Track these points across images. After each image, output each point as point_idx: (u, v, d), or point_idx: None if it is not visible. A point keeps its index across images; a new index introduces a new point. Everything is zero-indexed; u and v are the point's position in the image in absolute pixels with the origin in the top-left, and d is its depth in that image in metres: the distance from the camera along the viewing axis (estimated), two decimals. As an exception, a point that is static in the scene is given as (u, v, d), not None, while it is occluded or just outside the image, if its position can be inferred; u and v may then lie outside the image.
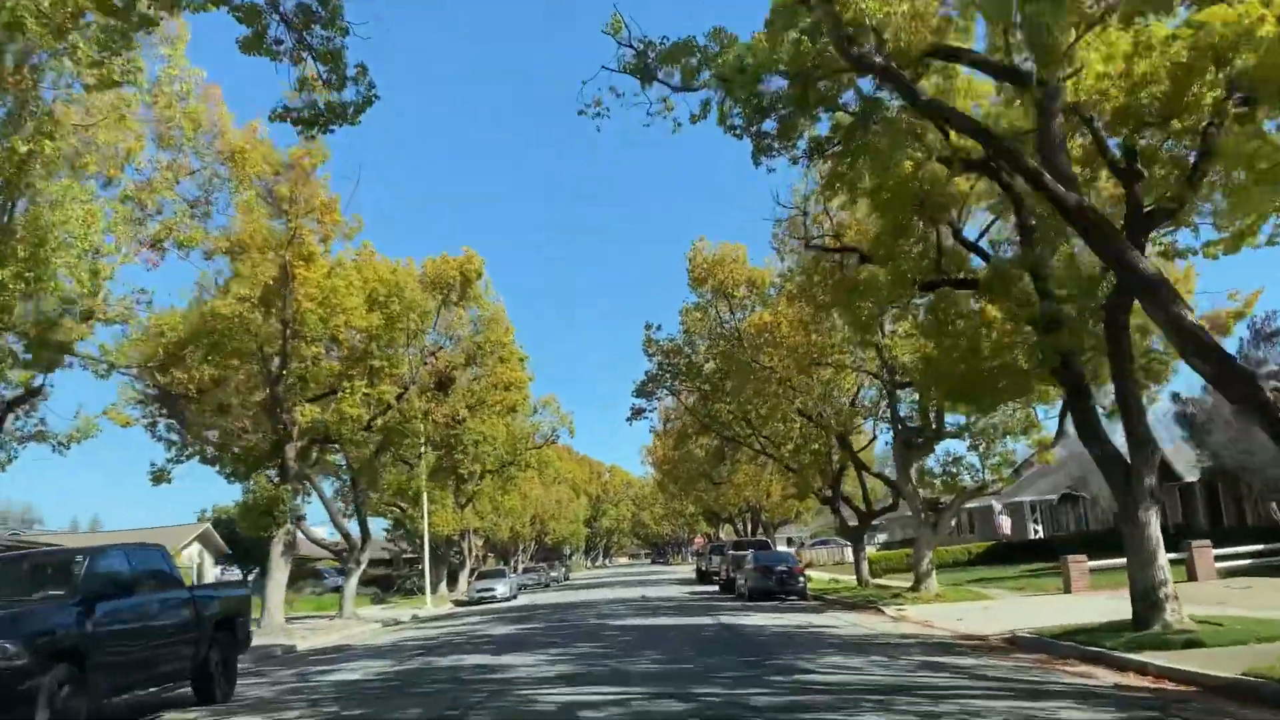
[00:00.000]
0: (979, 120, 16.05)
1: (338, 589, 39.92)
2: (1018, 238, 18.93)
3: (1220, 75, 13.27)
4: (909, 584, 28.71)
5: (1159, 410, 32.59)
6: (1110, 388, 17.66)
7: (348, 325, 26.41)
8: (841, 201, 22.82)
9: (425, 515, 42.94)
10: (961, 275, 17.85)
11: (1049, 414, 26.36)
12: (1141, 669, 11.48)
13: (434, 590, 47.59)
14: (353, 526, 35.49)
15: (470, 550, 57.16)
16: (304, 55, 11.04)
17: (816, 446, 32.21)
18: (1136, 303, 15.54)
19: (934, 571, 27.26)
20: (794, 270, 27.61)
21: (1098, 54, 13.61)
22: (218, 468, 29.40)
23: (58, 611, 10.40)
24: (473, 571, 54.69)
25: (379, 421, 30.19)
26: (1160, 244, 16.75)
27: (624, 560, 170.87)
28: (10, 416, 19.49)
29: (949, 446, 27.48)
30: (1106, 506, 44.22)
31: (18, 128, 12.76)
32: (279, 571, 28.34)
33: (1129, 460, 14.53)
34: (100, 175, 17.30)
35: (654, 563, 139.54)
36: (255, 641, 23.87)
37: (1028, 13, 10.91)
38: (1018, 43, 12.30)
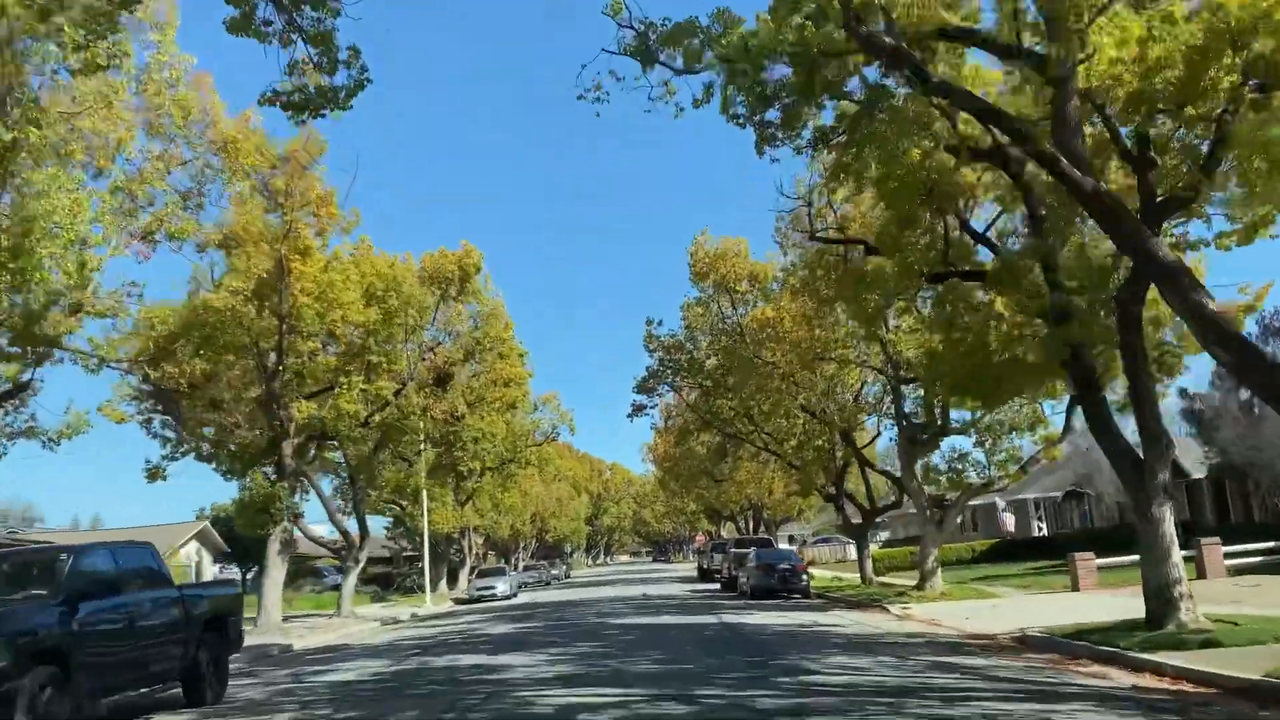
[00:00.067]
0: (997, 98, 15.85)
1: (337, 587, 39.59)
2: (1025, 229, 18.63)
3: (1236, 60, 12.92)
4: (913, 582, 28.39)
5: (1166, 406, 32.19)
6: (1118, 382, 17.40)
7: (345, 320, 26.05)
8: (846, 193, 22.50)
9: (425, 513, 42.63)
10: (969, 267, 17.51)
11: (1054, 410, 26.13)
12: (1158, 670, 11.15)
13: (434, 588, 47.29)
14: (351, 525, 35.18)
15: (470, 548, 56.84)
16: (294, 37, 10.72)
17: (820, 443, 31.85)
18: (1149, 295, 15.34)
19: (939, 569, 26.92)
20: (797, 265, 27.27)
21: (1110, 38, 13.24)
22: (214, 465, 29.09)
23: (39, 611, 10.08)
24: (473, 569, 54.38)
25: (377, 418, 29.87)
26: (1171, 235, 16.38)
27: (625, 558, 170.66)
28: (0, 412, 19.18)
29: (954, 442, 27.14)
30: (1111, 504, 43.96)
31: (2, 115, 12.41)
32: (276, 570, 28.02)
33: (1142, 456, 14.20)
34: (90, 166, 16.97)
35: (655, 561, 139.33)
36: (251, 640, 23.69)
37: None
38: (1029, 24, 11.92)
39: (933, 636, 16.81)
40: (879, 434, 37.07)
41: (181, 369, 24.44)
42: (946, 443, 27.02)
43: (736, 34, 12.48)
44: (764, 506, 57.64)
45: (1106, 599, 20.87)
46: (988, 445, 25.75)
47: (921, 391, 27.11)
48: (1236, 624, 13.48)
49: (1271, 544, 26.19)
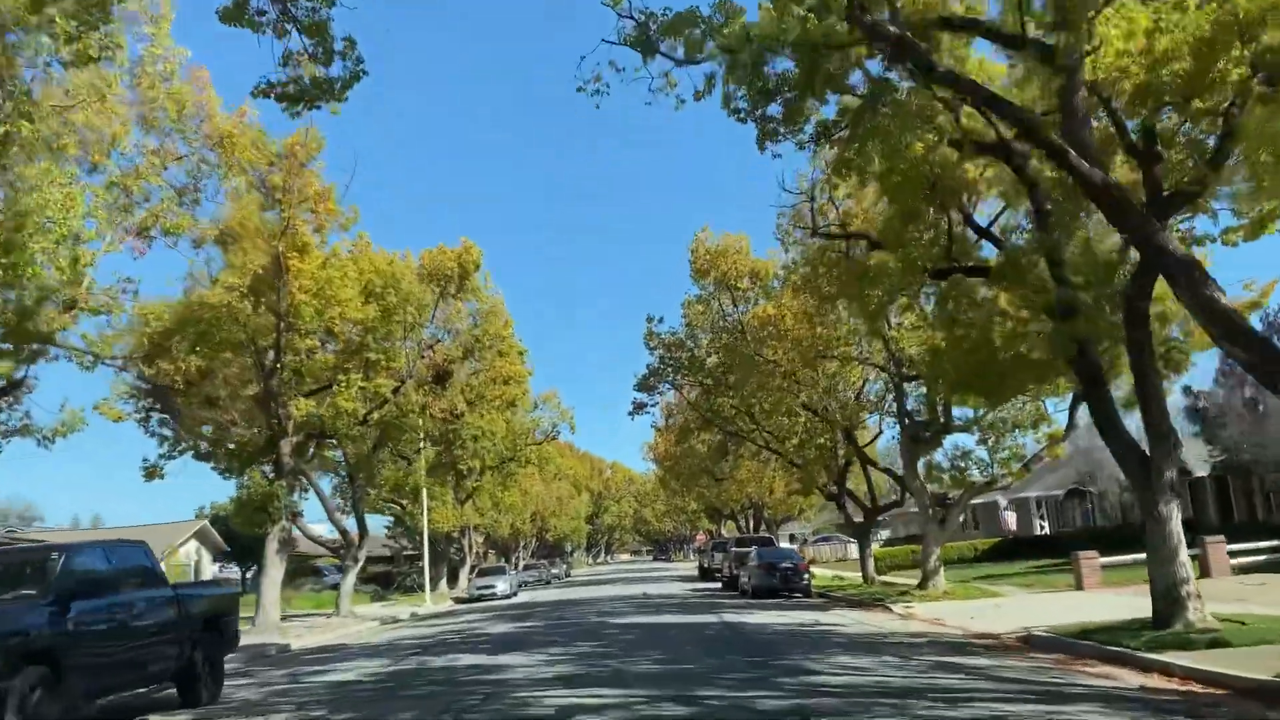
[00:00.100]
0: (1000, 91, 15.68)
1: (337, 586, 39.43)
2: (1029, 225, 18.46)
3: (1245, 52, 12.74)
4: (915, 581, 28.23)
5: (1170, 403, 31.99)
6: (1122, 379, 17.23)
7: (343, 317, 25.85)
8: (849, 188, 22.30)
9: (425, 512, 42.47)
10: (972, 263, 17.34)
11: (1057, 408, 25.96)
12: (1166, 670, 10.98)
13: (434, 587, 47.12)
14: (351, 523, 34.99)
15: (471, 547, 56.67)
16: (288, 28, 10.54)
17: (821, 441, 31.66)
18: (1156, 291, 15.17)
19: (942, 568, 26.75)
20: (798, 262, 27.06)
21: (1118, 30, 13.06)
22: (211, 463, 28.91)
23: (29, 611, 9.90)
24: (473, 568, 54.21)
25: (375, 416, 29.69)
26: (1177, 231, 16.20)
27: (625, 557, 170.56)
28: (-7, 410, 19.00)
29: (957, 440, 26.96)
30: (1114, 502, 43.82)
31: (-6, 108, 12.27)
32: (274, 569, 27.85)
33: (1148, 453, 14.02)
34: (85, 161, 16.77)
35: (656, 559, 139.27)
36: (249, 640, 23.53)
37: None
38: (1035, 14, 11.73)
39: (936, 636, 16.64)
40: (881, 432, 36.91)
41: (177, 366, 24.24)
42: (949, 440, 26.88)
43: (738, 24, 12.31)
44: (765, 505, 57.46)
45: (1110, 598, 20.72)
46: (991, 443, 25.55)
47: (924, 389, 26.93)
48: (1244, 623, 13.32)
49: (1276, 542, 26.03)
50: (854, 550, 60.19)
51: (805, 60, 13.96)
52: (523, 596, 45.78)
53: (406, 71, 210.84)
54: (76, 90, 15.19)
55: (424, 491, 42.01)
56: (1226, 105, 13.36)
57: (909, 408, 28.29)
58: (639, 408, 41.35)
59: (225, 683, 14.56)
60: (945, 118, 15.76)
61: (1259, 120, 12.86)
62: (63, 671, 9.87)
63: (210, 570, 56.14)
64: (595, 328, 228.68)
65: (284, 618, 31.28)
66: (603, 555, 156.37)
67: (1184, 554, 13.66)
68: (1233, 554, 24.65)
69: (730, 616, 23.06)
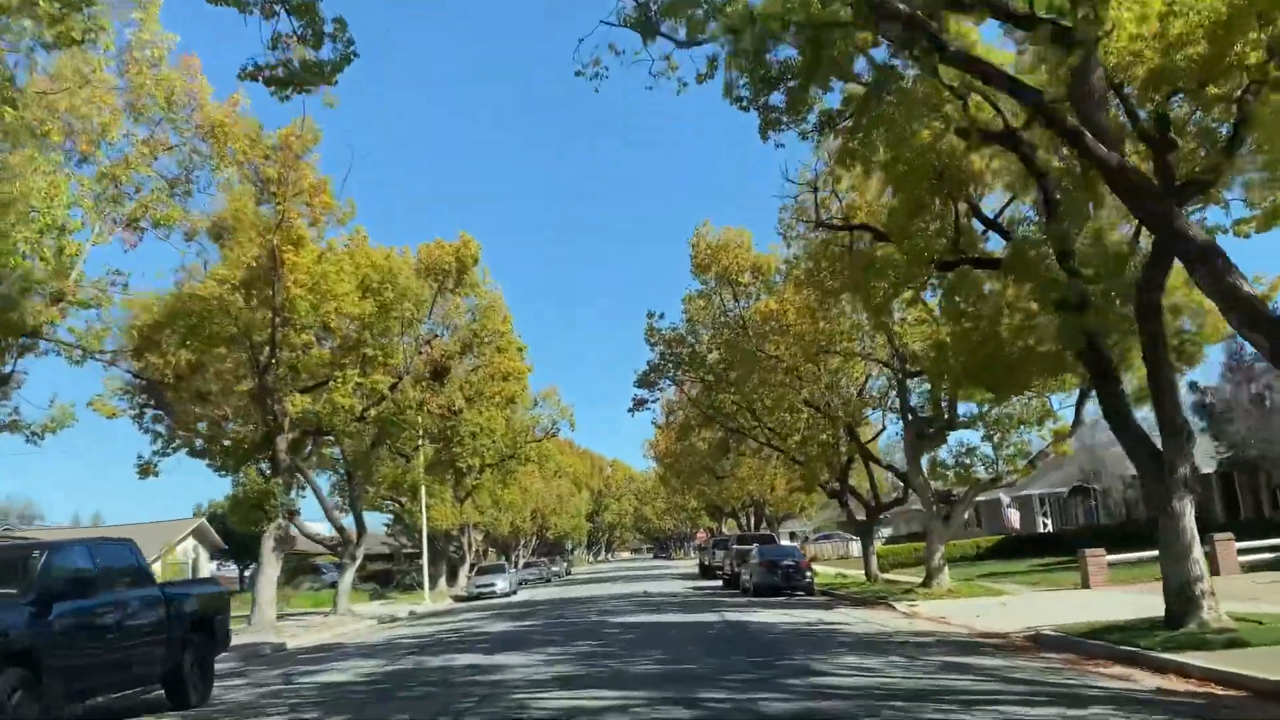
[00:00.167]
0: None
1: (336, 584, 39.11)
2: (1037, 216, 18.11)
3: (1261, 36, 12.38)
4: (919, 579, 27.91)
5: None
6: (1132, 373, 16.89)
7: (339, 312, 25.48)
8: (853, 179, 21.94)
9: (423, 509, 42.15)
10: (979, 255, 16.99)
11: (1063, 404, 25.62)
12: (1182, 671, 10.65)
13: (433, 585, 46.81)
14: (349, 521, 34.64)
15: (470, 545, 56.33)
16: (276, 9, 10.19)
17: (824, 438, 31.29)
18: (1167, 282, 14.82)
19: (946, 566, 26.42)
20: (801, 256, 26.72)
21: (1130, 14, 12.70)
22: (206, 460, 28.58)
23: (9, 611, 9.58)
24: (473, 566, 53.89)
25: (373, 412, 29.32)
26: (1188, 222, 15.87)
27: (626, 555, 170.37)
28: (-20, 405, 18.64)
29: (962, 437, 26.65)
30: (1119, 499, 43.48)
31: (-24, 95, 11.90)
32: (270, 567, 27.53)
33: (1161, 448, 13.68)
34: (74, 153, 16.40)
35: (656, 557, 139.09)
36: (245, 639, 23.24)
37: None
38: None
39: (943, 635, 16.30)
40: (884, 428, 36.57)
41: (166, 360, 23.86)
42: (954, 437, 26.53)
43: (742, 3, 11.95)
44: (766, 503, 57.16)
45: (1118, 596, 20.41)
46: (996, 439, 25.20)
47: (928, 386, 26.60)
48: (1261, 623, 12.99)
49: (1286, 539, 25.65)
50: (855, 548, 60.00)
51: (809, 46, 13.64)
52: (522, 595, 45.47)
53: (406, 71, 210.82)
54: (62, 75, 14.82)
55: (423, 489, 41.69)
56: (1241, 91, 13.01)
57: (912, 404, 27.96)
58: (639, 404, 41.00)
59: (217, 683, 14.28)
60: (952, 106, 15.42)
61: (1275, 107, 12.52)
62: (43, 673, 9.58)
63: (208, 568, 55.83)
64: (595, 327, 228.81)
65: (281, 616, 30.98)
66: (603, 553, 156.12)
67: (1198, 551, 13.33)
68: (1241, 551, 24.30)
69: (732, 615, 22.74)
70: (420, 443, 38.18)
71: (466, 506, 48.81)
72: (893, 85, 14.91)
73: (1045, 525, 50.54)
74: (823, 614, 22.15)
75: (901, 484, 32.87)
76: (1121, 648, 12.31)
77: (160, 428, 27.82)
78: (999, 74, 11.76)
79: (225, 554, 58.69)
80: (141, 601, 11.73)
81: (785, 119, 16.42)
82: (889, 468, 33.23)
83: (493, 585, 44.09)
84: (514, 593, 45.74)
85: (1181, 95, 14.16)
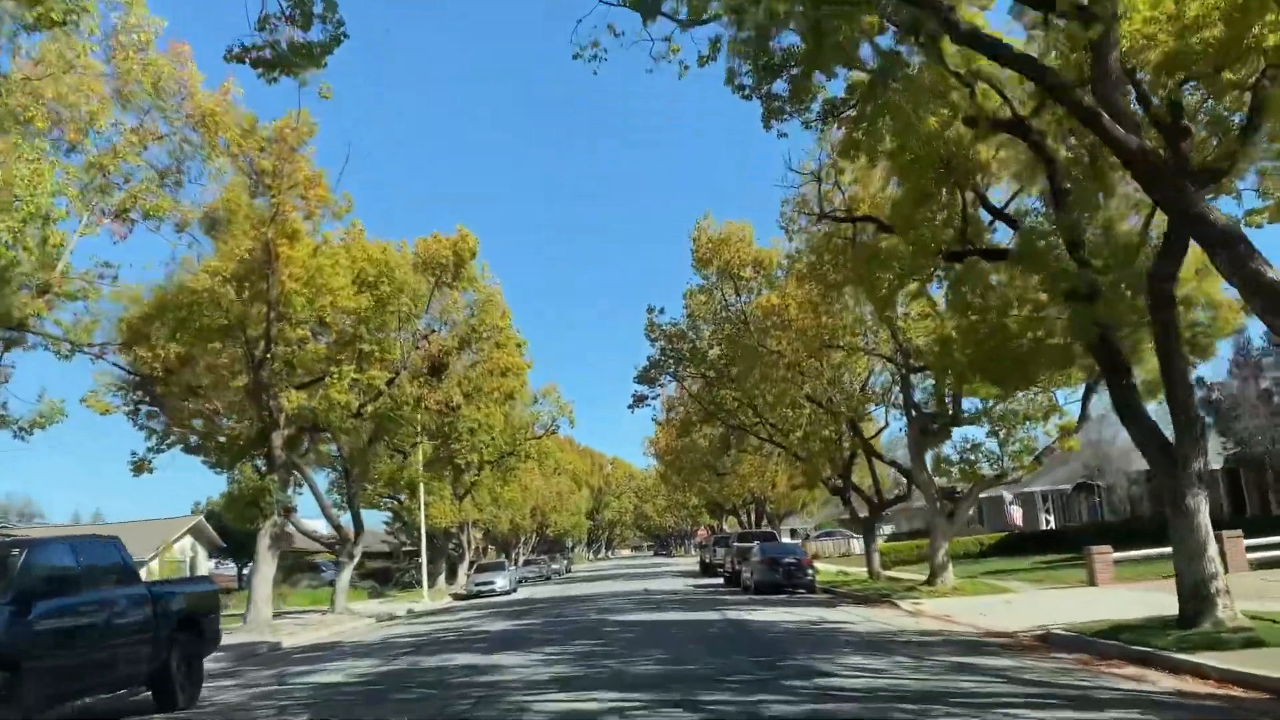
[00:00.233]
0: (1011, 74, 14.99)
1: (334, 582, 38.76)
2: (1044, 208, 17.76)
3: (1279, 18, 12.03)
4: (921, 577, 27.61)
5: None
6: (1143, 366, 16.55)
7: (334, 306, 25.10)
8: (856, 172, 21.65)
9: (422, 507, 41.82)
10: (985, 246, 16.65)
11: (1068, 399, 25.28)
12: (1199, 672, 10.31)
13: (432, 584, 46.51)
14: (346, 519, 34.29)
15: (469, 543, 56.01)
16: (263, -13, 9.84)
17: (826, 434, 30.93)
18: (1181, 273, 14.47)
19: (950, 563, 26.09)
20: (803, 250, 26.35)
21: (1144, -4, 12.43)
22: (201, 457, 28.24)
23: (-14, 611, 9.24)
24: (472, 564, 53.59)
25: (369, 408, 28.96)
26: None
27: (626, 553, 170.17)
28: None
29: (966, 433, 26.28)
30: (1123, 496, 43.15)
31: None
32: (266, 565, 27.19)
33: (1174, 442, 13.34)
34: (61, 140, 16.01)
35: (656, 555, 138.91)
36: (240, 638, 22.93)
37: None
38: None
39: (949, 634, 15.96)
40: (886, 424, 36.21)
41: (155, 353, 23.49)
42: (958, 433, 26.18)
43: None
44: (767, 500, 56.83)
45: (1126, 594, 20.10)
46: (1001, 435, 24.84)
47: (931, 381, 26.24)
48: (1277, 621, 12.65)
49: (1294, 537, 25.30)
50: (856, 545, 59.77)
51: (813, 31, 13.31)
52: (522, 593, 45.16)
53: (406, 71, 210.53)
54: (46, 61, 14.43)
55: (421, 486, 41.35)
56: (1257, 76, 12.66)
57: (916, 399, 27.61)
58: (639, 400, 40.68)
59: (208, 684, 13.98)
60: (959, 93, 15.07)
61: (1291, 93, 12.18)
62: (23, 675, 9.24)
63: (206, 567, 55.53)
64: (595, 327, 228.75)
65: (278, 615, 30.67)
66: (603, 551, 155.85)
67: (1213, 548, 12.97)
68: (1250, 549, 23.96)
69: (733, 613, 22.42)
70: (418, 439, 37.81)
71: (465, 504, 48.48)
72: (899, 72, 14.59)
73: (1048, 522, 50.22)
74: (825, 612, 21.83)
75: (904, 480, 32.55)
76: (1135, 648, 11.98)
77: (154, 424, 27.49)
78: (1013, 54, 11.38)
79: (223, 552, 58.35)
80: (126, 600, 11.38)
81: (788, 108, 16.12)
82: (892, 464, 32.88)
83: (492, 583, 43.79)
84: (513, 591, 45.43)
85: (1193, 84, 13.88)
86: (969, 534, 46.92)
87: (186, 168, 20.22)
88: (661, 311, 37.60)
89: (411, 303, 29.66)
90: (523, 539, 79.09)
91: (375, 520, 52.75)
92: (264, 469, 27.15)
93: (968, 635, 15.74)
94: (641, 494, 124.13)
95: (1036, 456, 25.37)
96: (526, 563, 69.19)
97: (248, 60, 10.10)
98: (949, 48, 14.12)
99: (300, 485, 31.13)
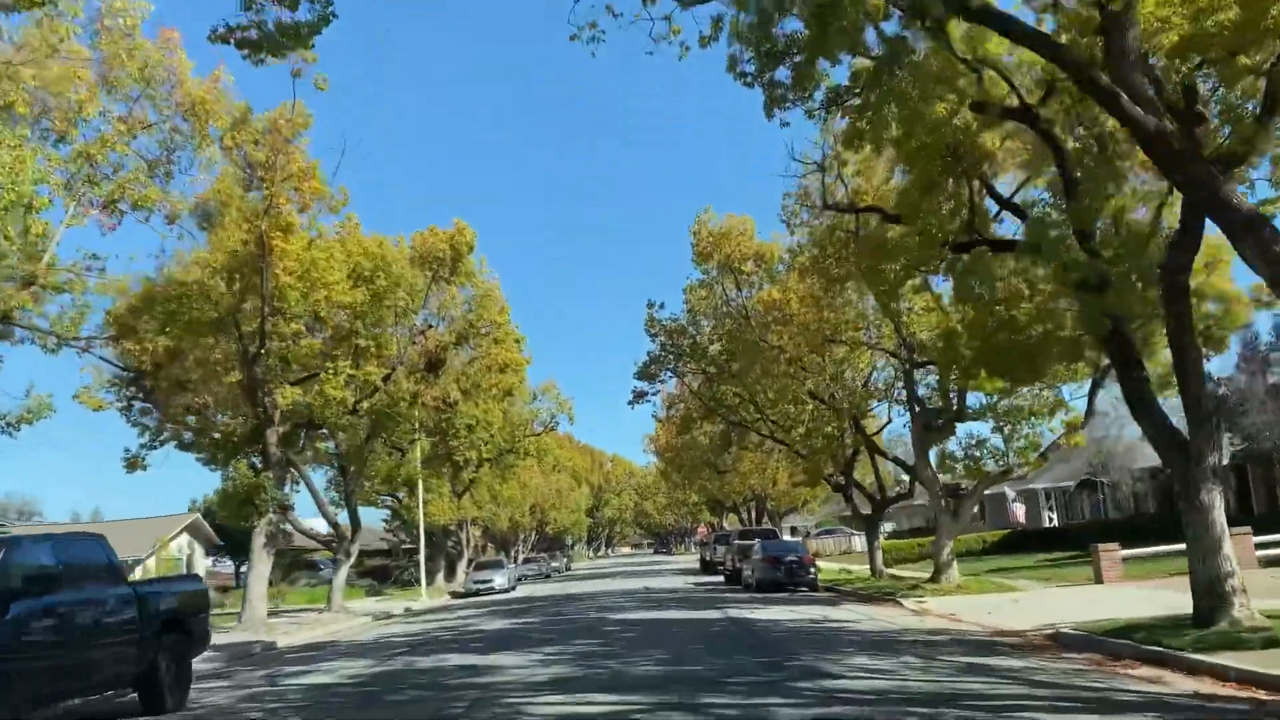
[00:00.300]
0: (1017, 63, 14.66)
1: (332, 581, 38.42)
2: (1053, 197, 17.41)
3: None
4: (924, 574, 27.30)
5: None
6: (1154, 360, 16.20)
7: (329, 301, 24.69)
8: (859, 163, 21.31)
9: (420, 504, 41.47)
10: (993, 237, 16.30)
11: (1073, 395, 24.95)
12: (1217, 673, 9.97)
13: (431, 581, 46.17)
14: (343, 517, 33.96)
15: (468, 540, 55.67)
16: (248, -37, 9.49)
17: (829, 430, 30.57)
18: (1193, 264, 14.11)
19: (955, 561, 25.76)
20: (805, 244, 25.98)
21: (1159, -24, 12.06)
22: (195, 453, 27.87)
23: (-39, 612, 8.89)
24: (471, 562, 53.26)
25: (366, 405, 28.59)
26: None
27: (626, 550, 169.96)
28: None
29: (971, 429, 25.93)
30: (1127, 493, 42.81)
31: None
32: (261, 563, 26.83)
33: (1188, 436, 13.00)
34: (49, 131, 15.63)
35: (657, 553, 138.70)
36: (234, 638, 22.60)
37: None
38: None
39: (956, 634, 15.63)
40: (889, 420, 35.88)
41: (143, 347, 23.09)
42: (963, 429, 25.84)
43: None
44: (768, 497, 56.50)
45: (1134, 591, 19.80)
46: (1006, 431, 24.50)
47: (935, 377, 25.91)
48: (1296, 620, 12.31)
49: (1303, 533, 24.97)
50: (858, 543, 59.48)
51: (816, 18, 12.97)
52: (521, 591, 44.83)
53: (406, 71, 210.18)
54: (29, 45, 14.04)
55: (419, 484, 41.00)
56: (1273, 61, 12.30)
57: (920, 395, 27.27)
58: (639, 396, 40.28)
59: (198, 685, 13.69)
60: (966, 80, 14.72)
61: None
62: (1, 677, 8.88)
63: (203, 565, 55.22)
64: (595, 327, 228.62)
65: (274, 613, 30.35)
66: (603, 549, 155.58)
67: (1228, 545, 12.64)
68: (1258, 546, 23.62)
69: (735, 612, 22.09)
70: (416, 436, 37.44)
71: (464, 501, 48.12)
72: (904, 59, 14.24)
73: (1051, 520, 49.89)
74: (828, 611, 21.51)
75: (906, 478, 32.21)
76: (1149, 647, 11.65)
77: (147, 420, 27.13)
78: (1028, 30, 11.01)
79: (221, 550, 58.07)
80: (111, 600, 11.02)
81: (791, 96, 15.76)
82: (895, 460, 32.55)
83: (491, 581, 43.48)
84: (513, 589, 45.12)
85: (1203, 73, 13.53)
86: (972, 531, 46.62)
87: (177, 158, 19.80)
88: (662, 306, 37.26)
89: (408, 297, 29.22)
90: (522, 537, 78.77)
91: (374, 518, 52.48)
92: (259, 466, 26.79)
93: (975, 634, 15.42)
94: (641, 491, 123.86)
95: (1042, 452, 25.05)
96: (526, 560, 68.88)
97: (233, 41, 9.75)
98: (956, 32, 13.79)
99: (297, 483, 30.81)
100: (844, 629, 17.23)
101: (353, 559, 33.94)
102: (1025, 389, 22.99)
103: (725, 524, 71.23)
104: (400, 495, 45.01)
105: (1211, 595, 12.45)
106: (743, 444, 43.44)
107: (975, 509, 42.31)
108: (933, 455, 26.14)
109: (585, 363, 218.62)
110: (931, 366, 25.37)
